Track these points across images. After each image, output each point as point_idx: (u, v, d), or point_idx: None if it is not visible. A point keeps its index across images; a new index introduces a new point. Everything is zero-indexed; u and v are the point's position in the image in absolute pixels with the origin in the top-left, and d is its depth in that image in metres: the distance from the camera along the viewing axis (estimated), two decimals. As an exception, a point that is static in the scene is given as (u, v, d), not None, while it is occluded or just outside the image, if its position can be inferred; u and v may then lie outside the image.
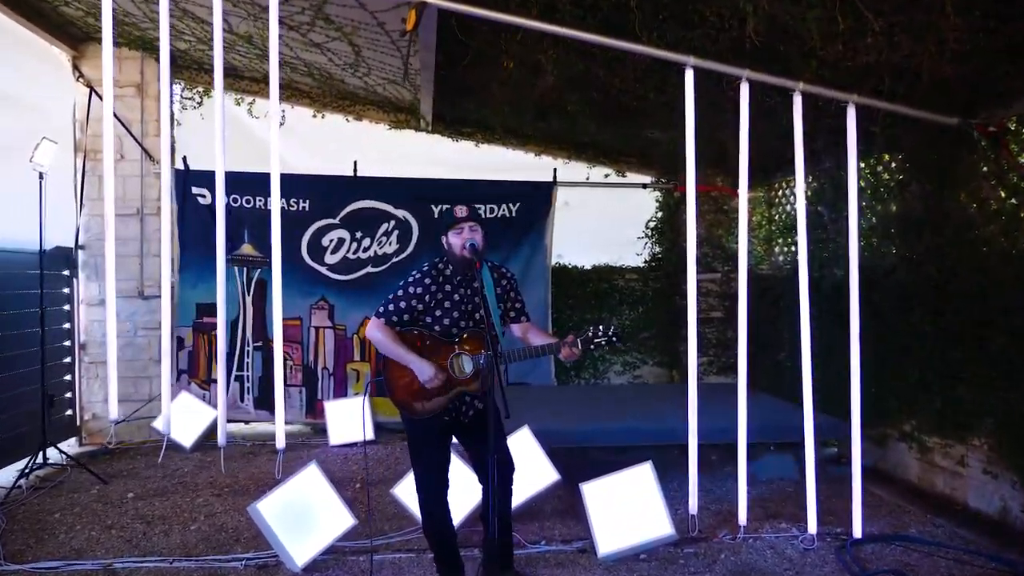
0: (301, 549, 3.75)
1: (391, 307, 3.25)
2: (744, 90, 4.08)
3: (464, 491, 3.83)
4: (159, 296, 6.82)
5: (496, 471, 3.00)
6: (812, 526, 4.13)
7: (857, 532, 4.14)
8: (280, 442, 3.86)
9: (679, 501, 4.83)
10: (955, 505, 4.73)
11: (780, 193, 7.02)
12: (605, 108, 5.78)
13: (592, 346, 3.19)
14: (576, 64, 4.69)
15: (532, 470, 4.49)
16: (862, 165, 6.00)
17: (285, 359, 6.90)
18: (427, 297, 3.23)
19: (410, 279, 3.27)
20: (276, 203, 3.87)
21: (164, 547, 4.12)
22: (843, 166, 5.90)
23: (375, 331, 3.24)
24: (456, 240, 3.22)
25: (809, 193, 6.38)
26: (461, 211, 3.22)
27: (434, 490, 3.35)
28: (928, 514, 4.63)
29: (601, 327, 3.21)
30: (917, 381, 5.00)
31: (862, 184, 5.95)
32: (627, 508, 3.94)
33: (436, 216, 6.84)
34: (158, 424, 3.69)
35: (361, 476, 5.54)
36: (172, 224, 6.81)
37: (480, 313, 3.03)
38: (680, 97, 5.20)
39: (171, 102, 7.10)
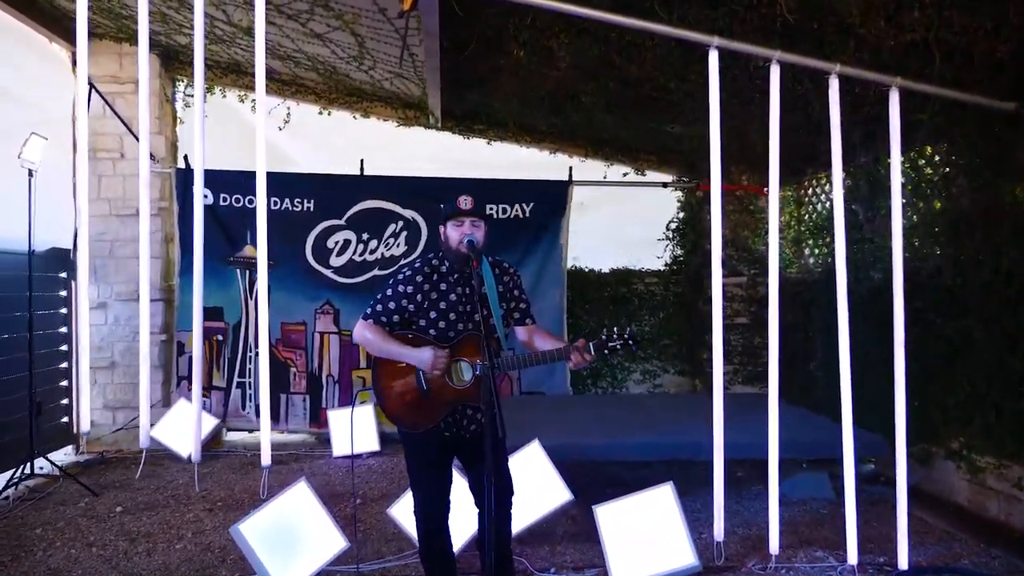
0: (286, 574, 3.43)
1: (379, 308, 2.92)
2: (775, 74, 3.71)
3: (465, 513, 3.48)
4: (159, 300, 6.62)
5: (493, 494, 2.65)
6: (852, 556, 3.74)
7: (903, 563, 3.74)
8: (265, 458, 3.54)
9: (703, 524, 4.46)
10: (1011, 533, 4.30)
11: (810, 191, 6.61)
12: (622, 100, 5.43)
13: (606, 351, 2.84)
14: (590, 49, 4.35)
15: (542, 488, 4.14)
16: (901, 159, 5.61)
17: (288, 365, 6.61)
18: (419, 297, 2.90)
19: (400, 277, 2.95)
20: (262, 196, 3.56)
21: (144, 569, 3.82)
22: (880, 160, 5.52)
23: (364, 332, 2.91)
24: (454, 234, 2.89)
25: (843, 190, 5.98)
26: (465, 202, 2.88)
27: (433, 513, 3.02)
28: (981, 543, 4.20)
29: (616, 330, 2.85)
30: (968, 394, 4.58)
31: (902, 179, 5.55)
32: (646, 533, 3.58)
33: (446, 217, 6.54)
34: (144, 438, 3.38)
35: (363, 491, 5.22)
36: (172, 226, 6.61)
37: (480, 315, 2.69)
38: (703, 86, 4.85)
39: (173, 99, 6.88)
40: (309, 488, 3.66)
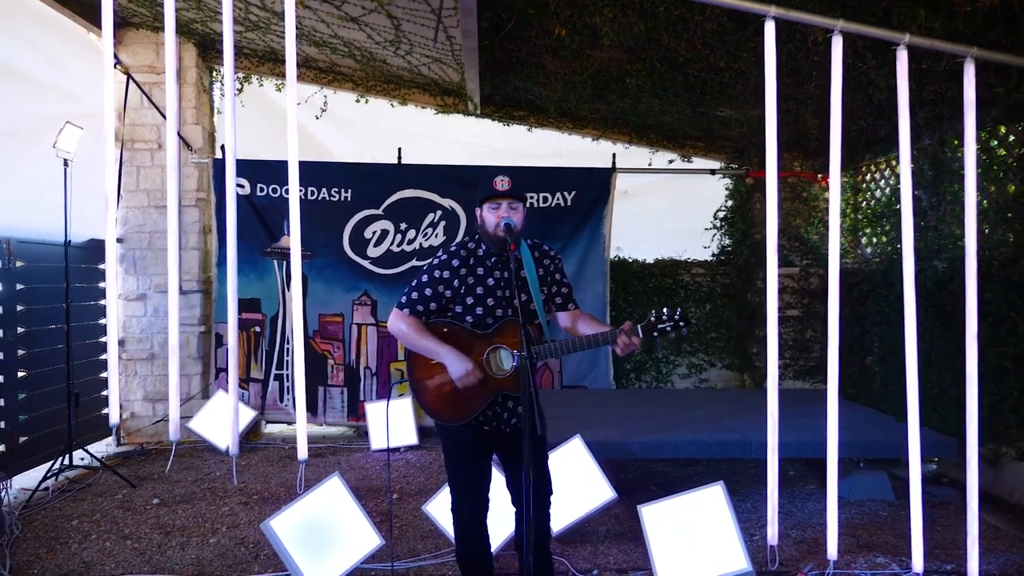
0: (319, 572, 3.31)
1: (415, 295, 2.77)
2: (836, 45, 3.45)
3: (503, 511, 3.31)
4: (198, 291, 6.59)
5: (531, 493, 2.47)
6: (918, 562, 3.46)
7: (973, 572, 3.46)
8: (302, 452, 3.41)
9: (753, 526, 4.23)
10: (1092, 540, 3.98)
11: (868, 177, 6.28)
12: (669, 82, 5.19)
13: (655, 334, 2.64)
14: (636, 25, 4.13)
15: (585, 486, 3.96)
16: (956, 141, 5.26)
17: (326, 357, 6.53)
18: (455, 282, 2.74)
19: (435, 262, 2.79)
20: (294, 182, 3.42)
21: (177, 563, 3.75)
22: (947, 142, 5.18)
23: (398, 323, 2.77)
24: (490, 217, 2.72)
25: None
26: (503, 183, 2.70)
27: (471, 512, 2.86)
28: (1059, 550, 3.90)
29: (666, 310, 2.65)
30: (1044, 391, 4.26)
31: (957, 166, 5.21)
32: (694, 536, 3.37)
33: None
34: (175, 431, 3.28)
35: (400, 486, 5.09)
36: (210, 217, 6.57)
37: (519, 300, 2.51)
38: (756, 65, 4.60)
39: (211, 89, 6.84)
40: (343, 483, 3.53)
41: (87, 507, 4.60)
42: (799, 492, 4.96)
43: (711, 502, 3.40)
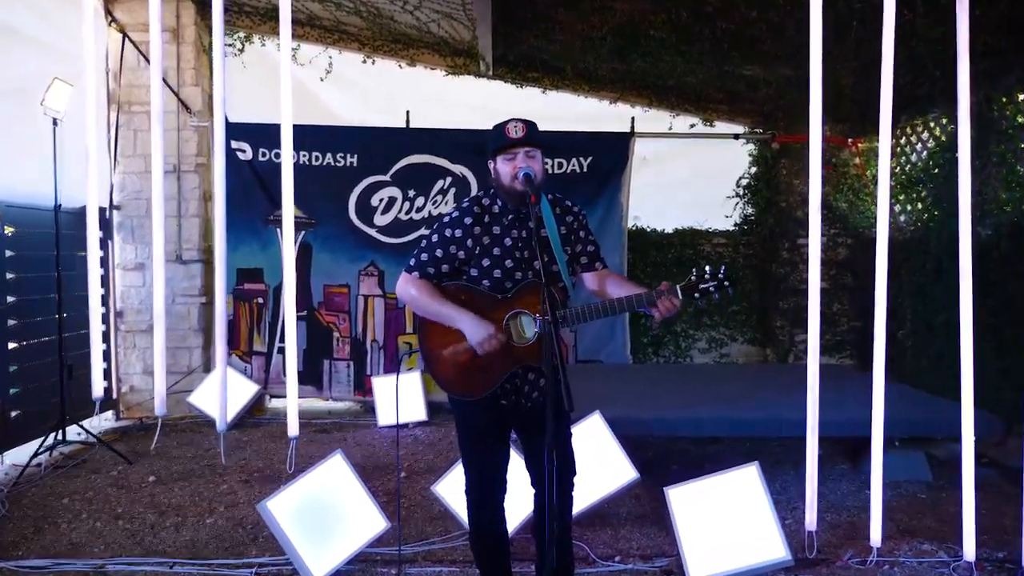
0: (320, 557, 3.07)
1: (424, 257, 2.49)
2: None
3: (519, 492, 3.05)
4: (199, 260, 6.34)
5: (555, 474, 2.20)
6: (969, 551, 3.19)
7: (1031, 561, 3.18)
8: (293, 428, 3.17)
9: (783, 508, 3.97)
10: None
11: (903, 140, 5.93)
12: (696, 35, 4.85)
13: (697, 295, 2.35)
14: (664, -33, 3.80)
15: (605, 466, 3.70)
16: (1004, 99, 4.91)
17: (331, 330, 6.27)
18: (469, 242, 2.45)
19: (446, 219, 2.50)
20: (287, 149, 3.13)
21: (170, 545, 3.52)
22: (993, 99, 4.83)
23: (407, 287, 2.49)
24: (505, 168, 2.43)
25: (944, 137, 5.32)
26: (516, 129, 2.41)
27: (486, 494, 2.61)
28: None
29: (708, 268, 2.36)
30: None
31: (1004, 126, 4.86)
32: (726, 521, 3.10)
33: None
34: (160, 406, 3.05)
35: (409, 464, 4.86)
36: (211, 183, 6.28)
37: (540, 261, 2.23)
38: (791, 16, 4.27)
39: (211, 50, 6.52)
40: (346, 461, 3.29)
41: (80, 484, 4.38)
42: (829, 472, 4.68)
43: (745, 484, 3.13)
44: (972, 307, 3.26)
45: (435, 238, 2.49)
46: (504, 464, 2.61)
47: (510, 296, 2.44)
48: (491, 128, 2.51)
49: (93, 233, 3.13)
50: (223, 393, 3.14)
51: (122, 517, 3.87)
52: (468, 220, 2.46)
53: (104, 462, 4.84)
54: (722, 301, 6.66)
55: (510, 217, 2.48)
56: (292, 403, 3.14)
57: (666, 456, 4.89)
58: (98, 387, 3.32)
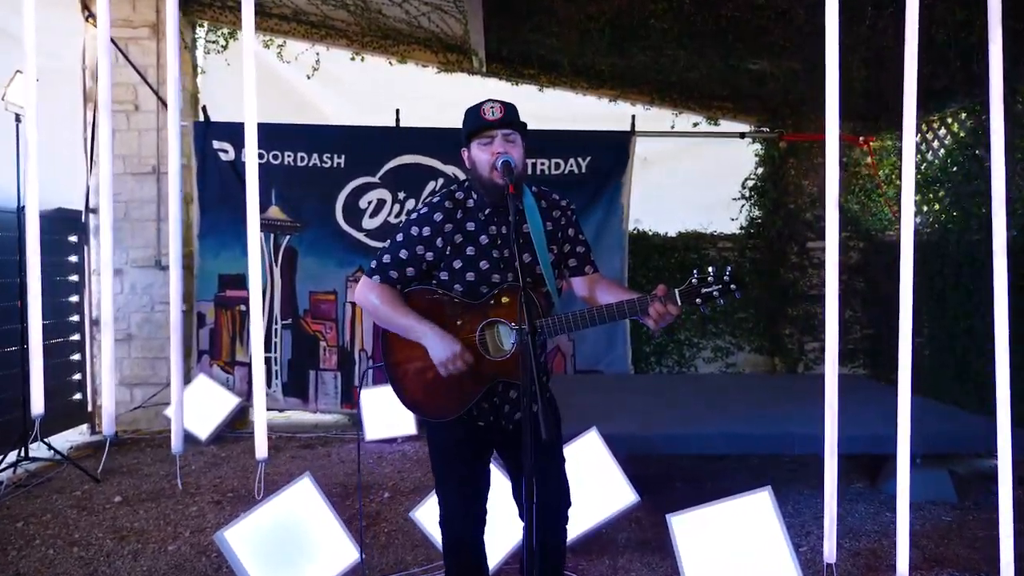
0: (285, 593, 2.76)
1: (387, 259, 2.20)
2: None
3: (504, 520, 2.75)
4: (180, 266, 6.05)
5: (540, 505, 1.90)
6: (1007, 585, 2.87)
7: (1076, 597, 2.86)
8: (260, 450, 2.86)
9: (797, 533, 3.67)
10: None
11: (919, 137, 5.62)
12: (699, 26, 4.56)
13: (699, 300, 2.04)
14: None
15: (602, 488, 3.39)
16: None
17: (318, 339, 5.97)
18: (439, 241, 2.16)
19: (413, 217, 2.21)
20: (252, 145, 2.85)
21: (126, 574, 3.21)
22: (1018, 91, 4.53)
23: (367, 293, 2.20)
24: (481, 155, 2.13)
25: (963, 134, 5.01)
26: (492, 110, 2.11)
27: (462, 528, 2.30)
28: None
29: (712, 270, 2.05)
30: None
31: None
32: (736, 551, 2.79)
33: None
34: (109, 425, 2.75)
35: (394, 483, 4.55)
36: (192, 185, 6.01)
37: (519, 261, 1.93)
38: (801, 2, 3.98)
39: (193, 47, 6.26)
40: (314, 485, 2.99)
41: (39, 506, 4.08)
42: (845, 492, 4.36)
43: (756, 511, 2.82)
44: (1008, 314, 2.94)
45: (400, 237, 2.20)
46: (483, 494, 2.30)
47: (486, 303, 2.14)
48: (465, 112, 2.22)
49: (33, 236, 2.83)
50: (178, 412, 2.84)
51: (78, 543, 3.57)
52: (438, 216, 2.17)
53: (70, 481, 4.54)
54: (728, 307, 6.34)
55: (487, 212, 2.18)
56: (260, 422, 2.84)
57: (667, 473, 4.57)
58: (38, 404, 3.02)
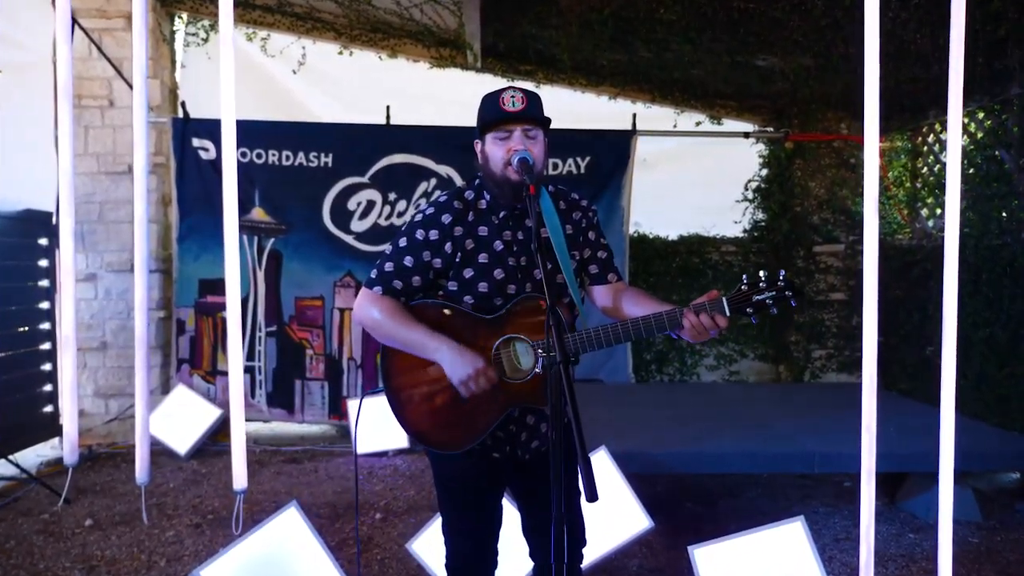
0: (269, 638, 2.49)
1: (389, 267, 1.93)
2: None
3: (511, 554, 2.48)
4: (157, 270, 5.74)
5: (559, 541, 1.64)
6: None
7: None
8: (239, 480, 2.58)
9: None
10: None
11: (931, 139, 5.43)
12: (708, 18, 4.32)
13: (750, 310, 1.80)
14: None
15: (615, 512, 3.14)
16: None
17: (304, 347, 5.69)
18: (448, 246, 1.90)
19: (418, 219, 1.95)
20: (230, 142, 2.58)
21: (94, 613, 2.93)
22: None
23: (369, 308, 1.92)
24: (497, 151, 1.88)
25: (980, 134, 4.81)
26: (513, 100, 1.86)
27: (470, 569, 2.04)
28: None
29: (762, 274, 1.81)
30: None
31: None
32: (766, 588, 2.55)
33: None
34: (71, 452, 2.46)
35: (386, 502, 4.27)
36: (170, 185, 5.72)
37: (541, 270, 1.67)
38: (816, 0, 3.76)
39: (171, 39, 5.96)
40: (301, 515, 2.71)
41: (2, 531, 3.78)
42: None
43: (788, 542, 2.58)
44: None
45: (403, 243, 1.93)
46: (494, 533, 2.05)
47: (501, 316, 1.88)
48: (481, 99, 1.96)
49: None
50: (144, 436, 2.56)
51: (42, 574, 3.27)
52: (446, 218, 1.90)
53: (38, 501, 4.24)
54: (731, 319, 6.15)
55: (502, 214, 1.92)
56: (238, 447, 2.55)
57: (680, 490, 4.33)
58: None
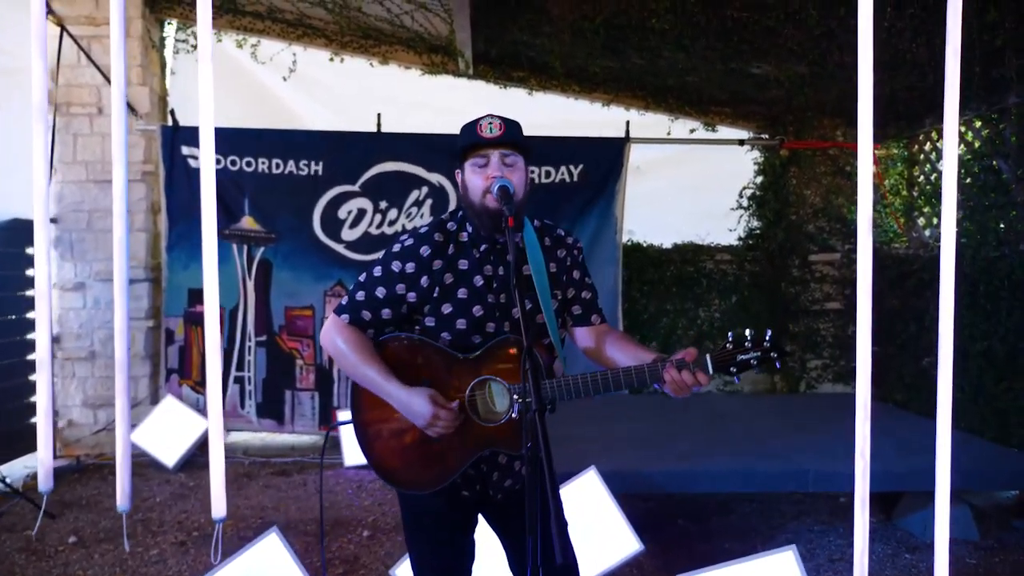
0: (247, 669, 2.44)
1: (360, 296, 1.88)
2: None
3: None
4: (145, 280, 5.68)
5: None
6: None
7: None
8: (218, 510, 2.52)
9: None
10: None
11: (928, 147, 5.37)
12: (702, 26, 4.27)
13: (734, 369, 1.76)
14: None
15: (603, 534, 3.09)
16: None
17: (294, 357, 5.63)
18: (425, 280, 1.84)
19: (396, 249, 1.89)
20: (207, 154, 2.52)
21: (72, 639, 2.88)
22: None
23: (334, 337, 1.87)
24: (475, 179, 1.82)
25: (977, 143, 4.75)
26: (491, 126, 1.80)
27: None
28: None
29: (749, 334, 1.76)
30: None
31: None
32: (755, 617, 2.50)
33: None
34: (46, 480, 2.41)
35: (373, 518, 4.22)
36: (159, 194, 5.66)
37: (520, 308, 1.62)
38: (810, 9, 3.71)
39: (161, 45, 5.90)
40: (282, 541, 2.65)
41: (-17, 549, 3.73)
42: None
43: (779, 572, 2.52)
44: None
45: (377, 272, 1.87)
46: (466, 571, 1.99)
47: (478, 356, 1.82)
48: (460, 128, 1.91)
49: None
50: (126, 466, 2.50)
51: (21, 597, 3.22)
52: (425, 250, 1.84)
53: (22, 516, 4.18)
54: (726, 322, 6.05)
55: (483, 248, 1.86)
56: (217, 478, 2.49)
57: (670, 507, 4.28)
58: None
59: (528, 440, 1.48)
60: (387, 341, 1.87)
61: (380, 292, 1.85)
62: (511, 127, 1.83)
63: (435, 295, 1.84)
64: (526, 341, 1.53)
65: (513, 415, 1.75)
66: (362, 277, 1.90)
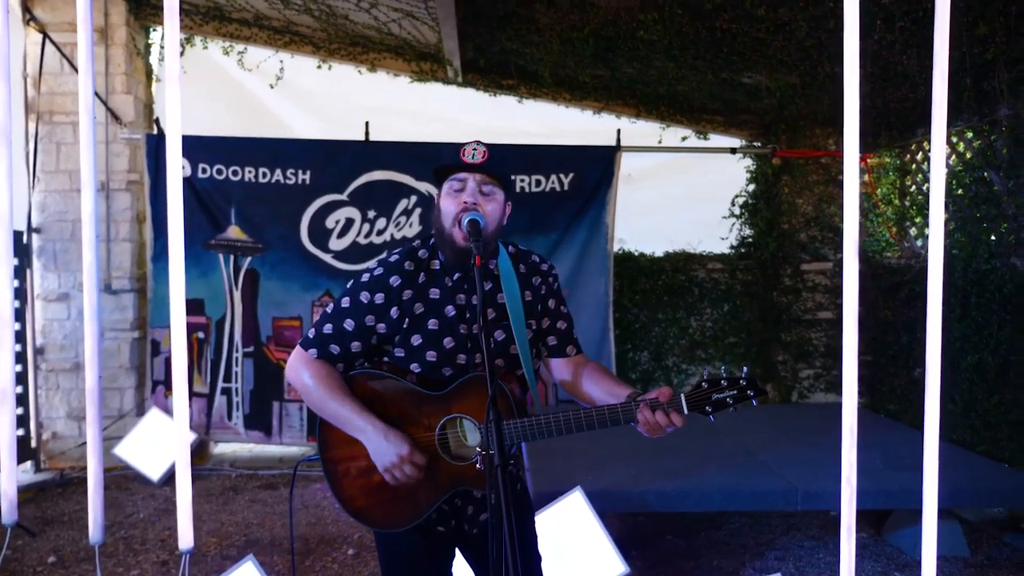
0: None
1: (328, 328, 1.82)
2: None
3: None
4: (131, 290, 5.62)
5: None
6: None
7: None
8: (185, 541, 2.46)
9: (805, 603, 3.32)
10: None
11: (920, 157, 5.33)
12: (691, 37, 4.22)
13: (709, 408, 1.72)
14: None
15: (587, 557, 3.04)
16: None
17: (282, 368, 5.57)
18: (394, 311, 1.78)
19: (364, 278, 1.83)
20: (175, 162, 2.45)
21: (46, 667, 2.82)
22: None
23: (300, 371, 1.82)
24: (448, 205, 1.77)
25: (968, 154, 4.72)
26: (473, 153, 1.74)
27: None
28: None
29: (725, 372, 1.73)
30: None
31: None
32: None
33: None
34: (10, 512, 2.34)
35: (360, 535, 4.16)
36: (145, 203, 5.60)
37: (489, 341, 1.57)
38: (804, 12, 3.66)
39: (146, 53, 5.83)
40: (258, 570, 2.60)
41: (-39, 570, 3.67)
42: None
43: (764, 601, 2.48)
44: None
45: (345, 303, 1.82)
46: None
47: (449, 391, 1.77)
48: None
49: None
50: (98, 498, 2.44)
51: (-3, 622, 3.16)
52: (395, 280, 1.79)
53: (1, 533, 4.11)
54: (718, 331, 5.99)
55: (456, 276, 1.81)
56: (184, 508, 2.43)
57: (659, 520, 4.24)
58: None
59: (491, 491, 1.43)
60: (355, 377, 1.82)
61: (348, 324, 1.80)
62: (495, 160, 1.77)
63: (405, 326, 1.79)
64: (491, 389, 1.48)
65: (478, 466, 1.70)
66: (329, 308, 1.85)
